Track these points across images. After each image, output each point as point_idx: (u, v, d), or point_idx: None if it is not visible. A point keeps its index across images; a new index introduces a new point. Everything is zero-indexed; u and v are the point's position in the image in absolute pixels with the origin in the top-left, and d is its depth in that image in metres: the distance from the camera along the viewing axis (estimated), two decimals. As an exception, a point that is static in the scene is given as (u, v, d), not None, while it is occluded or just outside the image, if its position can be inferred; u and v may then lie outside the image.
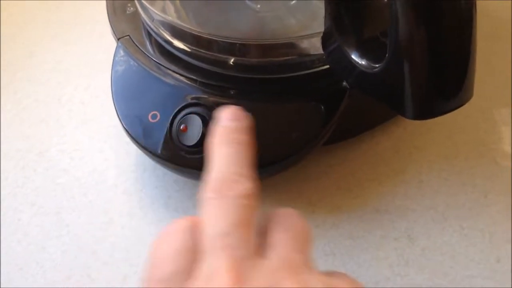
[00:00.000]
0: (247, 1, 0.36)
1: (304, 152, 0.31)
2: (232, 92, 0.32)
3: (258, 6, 0.36)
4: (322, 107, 0.31)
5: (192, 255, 0.21)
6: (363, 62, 0.26)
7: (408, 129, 0.36)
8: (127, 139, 0.32)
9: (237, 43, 0.32)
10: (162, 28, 0.34)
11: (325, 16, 0.28)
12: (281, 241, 0.22)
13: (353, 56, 0.27)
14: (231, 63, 0.32)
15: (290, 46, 0.32)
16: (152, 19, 0.34)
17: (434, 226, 0.32)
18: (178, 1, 0.36)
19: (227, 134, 0.25)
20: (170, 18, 0.33)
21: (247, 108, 0.31)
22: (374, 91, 0.27)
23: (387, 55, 0.24)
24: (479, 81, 0.38)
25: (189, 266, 0.21)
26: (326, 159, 0.35)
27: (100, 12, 0.37)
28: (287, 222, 0.23)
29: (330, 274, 0.23)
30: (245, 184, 0.23)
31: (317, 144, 0.31)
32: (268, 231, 0.23)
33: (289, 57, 0.32)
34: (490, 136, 0.35)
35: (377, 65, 0.25)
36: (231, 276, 0.20)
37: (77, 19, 0.45)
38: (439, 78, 0.23)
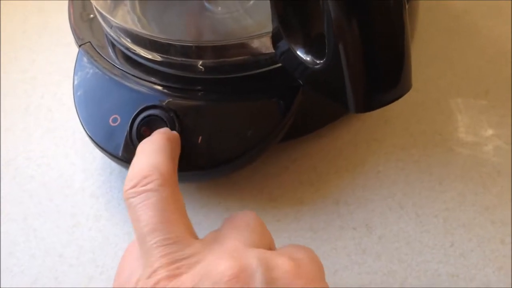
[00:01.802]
0: (206, 4, 0.37)
1: (260, 148, 0.31)
2: (189, 93, 0.32)
3: (219, 8, 0.37)
4: (277, 104, 0.32)
5: None
6: (308, 59, 0.27)
7: (367, 122, 0.37)
8: (92, 143, 0.33)
9: (192, 45, 0.33)
10: (121, 34, 0.35)
11: (272, 17, 0.29)
12: (224, 234, 0.23)
13: (299, 53, 0.28)
14: (188, 65, 0.33)
15: (245, 46, 0.33)
16: (111, 26, 0.35)
17: (391, 214, 0.32)
18: (137, 8, 0.36)
19: (151, 143, 0.27)
20: (126, 25, 0.34)
21: (204, 108, 0.32)
22: (320, 87, 0.28)
23: (326, 51, 0.25)
24: (436, 74, 0.40)
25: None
26: (287, 155, 0.36)
27: (66, 22, 0.38)
28: (236, 219, 0.24)
29: (278, 250, 0.23)
30: (158, 175, 0.23)
31: (273, 140, 0.32)
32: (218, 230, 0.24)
33: (245, 57, 0.33)
34: (446, 126, 0.36)
35: (319, 61, 0.26)
36: (168, 270, 0.21)
37: (44, 30, 0.46)
38: (375, 72, 0.24)
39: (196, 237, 0.23)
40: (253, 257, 0.20)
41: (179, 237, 0.21)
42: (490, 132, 0.36)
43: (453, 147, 0.35)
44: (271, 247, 0.24)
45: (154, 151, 0.25)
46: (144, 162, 0.24)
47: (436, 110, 0.37)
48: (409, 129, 0.36)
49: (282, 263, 0.21)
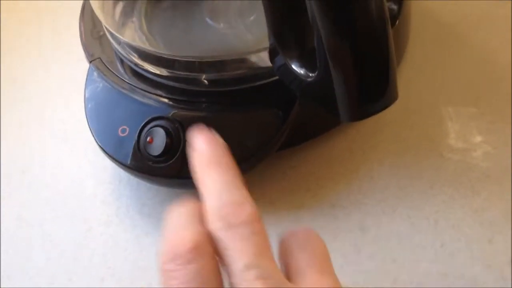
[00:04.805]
0: (208, 21, 0.39)
1: (260, 156, 0.33)
2: (193, 105, 0.35)
3: (221, 24, 0.39)
4: (275, 114, 0.34)
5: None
6: (302, 72, 0.29)
7: (361, 131, 0.39)
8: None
9: (196, 61, 0.35)
10: (129, 51, 0.37)
11: (268, 34, 0.31)
12: (307, 265, 0.22)
13: (294, 67, 0.30)
14: (192, 79, 0.35)
15: (245, 61, 0.35)
16: (119, 43, 0.37)
17: (385, 217, 0.34)
18: (144, 26, 0.39)
19: (213, 158, 0.24)
20: (134, 42, 0.36)
21: (207, 119, 0.34)
22: (314, 98, 0.30)
23: (318, 65, 0.27)
24: (428, 82, 0.42)
25: None
26: (286, 162, 0.38)
27: (77, 39, 0.41)
28: (307, 243, 0.23)
29: None
30: (250, 208, 0.22)
31: (272, 148, 0.34)
32: (289, 253, 0.23)
33: (245, 71, 0.35)
34: (437, 132, 0.38)
35: (312, 74, 0.29)
36: None
37: (56, 45, 0.48)
38: (362, 84, 0.26)
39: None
40: None
41: (277, 273, 0.21)
42: (479, 138, 0.38)
43: (444, 153, 0.37)
44: None
45: (234, 183, 0.23)
46: (232, 192, 0.22)
47: (427, 117, 0.39)
48: (401, 135, 0.38)
49: None
